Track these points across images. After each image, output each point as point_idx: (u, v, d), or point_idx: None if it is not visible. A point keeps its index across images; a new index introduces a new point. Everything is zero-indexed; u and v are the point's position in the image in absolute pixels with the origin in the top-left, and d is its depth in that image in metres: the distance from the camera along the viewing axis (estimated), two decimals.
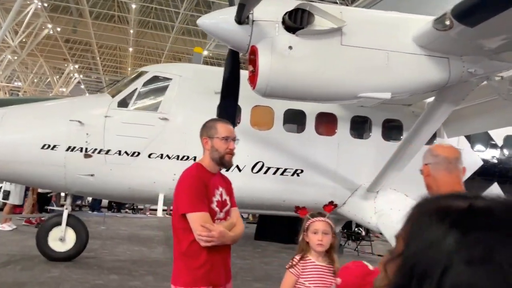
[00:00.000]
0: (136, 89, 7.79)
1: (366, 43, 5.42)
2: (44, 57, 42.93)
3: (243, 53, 5.80)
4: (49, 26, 34.55)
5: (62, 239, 8.10)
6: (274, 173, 7.99)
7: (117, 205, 17.11)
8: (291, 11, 5.36)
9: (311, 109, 8.10)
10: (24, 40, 33.91)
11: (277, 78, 5.36)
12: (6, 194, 11.43)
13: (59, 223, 8.11)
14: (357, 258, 11.30)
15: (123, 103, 7.77)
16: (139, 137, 7.64)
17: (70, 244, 8.17)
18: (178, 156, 7.73)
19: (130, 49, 40.93)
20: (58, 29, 35.99)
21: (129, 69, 47.69)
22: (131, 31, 36.57)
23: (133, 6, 31.59)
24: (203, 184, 3.23)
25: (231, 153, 3.45)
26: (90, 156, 7.56)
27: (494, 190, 8.72)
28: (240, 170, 7.90)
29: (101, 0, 32.73)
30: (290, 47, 5.33)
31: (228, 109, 6.65)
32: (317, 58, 5.43)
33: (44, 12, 32.60)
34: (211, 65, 46.80)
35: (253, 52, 5.46)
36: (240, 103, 7.86)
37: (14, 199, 11.47)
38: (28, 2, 29.59)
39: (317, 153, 8.11)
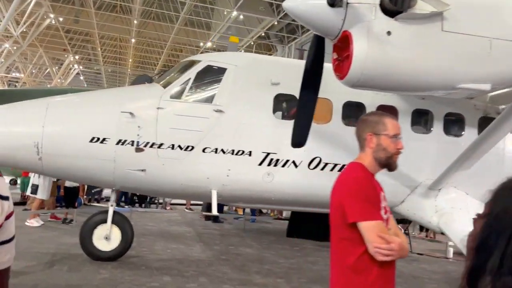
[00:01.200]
0: (190, 79, 7.34)
1: (468, 29, 5.00)
2: (44, 48, 42.11)
3: (331, 39, 5.33)
4: (51, 16, 33.75)
5: (107, 238, 7.66)
6: (332, 169, 7.58)
7: (139, 199, 16.62)
8: None
9: (371, 101, 7.70)
10: (24, 30, 33.06)
11: (374, 66, 4.94)
12: (35, 189, 10.95)
13: (104, 221, 7.66)
14: None
15: (176, 94, 7.33)
16: (193, 130, 7.21)
17: (116, 243, 7.73)
18: (233, 151, 7.30)
19: (133, 40, 40.13)
20: (60, 19, 35.23)
21: (130, 60, 47.05)
22: (135, 22, 35.84)
23: None
24: (373, 187, 2.75)
25: (399, 153, 2.94)
26: (141, 150, 7.12)
27: None
28: (296, 166, 7.50)
29: None
30: (389, 33, 4.91)
31: (308, 102, 6.19)
32: (417, 45, 5.01)
33: (46, 1, 31.82)
34: None
35: (345, 38, 5.02)
36: (296, 94, 7.48)
37: (42, 194, 10.99)
38: None
39: None
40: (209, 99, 7.35)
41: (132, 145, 7.08)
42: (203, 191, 7.44)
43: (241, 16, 32.14)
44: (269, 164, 7.39)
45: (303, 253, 10.28)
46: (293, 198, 7.72)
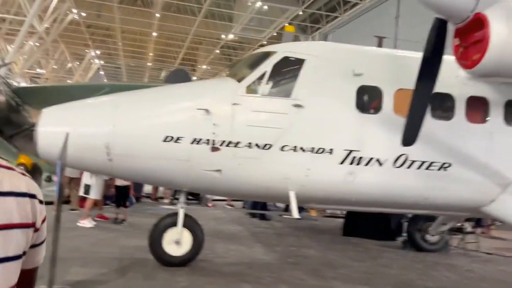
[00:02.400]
0: (266, 72, 6.80)
1: None
2: (65, 43, 41.89)
3: (457, 23, 4.76)
4: (74, 11, 33.44)
5: (178, 242, 7.21)
6: (419, 167, 7.02)
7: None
8: None
9: (459, 93, 7.12)
10: (47, 26, 32.79)
11: None
12: (87, 189, 10.57)
13: (174, 224, 7.20)
14: (464, 256, 10.42)
15: (252, 89, 6.82)
16: (271, 127, 6.72)
17: (187, 248, 7.27)
18: (313, 149, 6.77)
19: (154, 34, 39.65)
20: (83, 14, 34.91)
21: (151, 54, 46.65)
22: (156, 15, 35.36)
23: None
24: None
25: None
26: (217, 149, 6.62)
27: None
28: (380, 164, 6.95)
29: None
30: None
31: (424, 96, 5.63)
32: None
33: None
34: (234, 50, 45.98)
35: (477, 21, 4.47)
36: (380, 85, 6.95)
37: (95, 194, 10.61)
38: None
39: (466, 143, 7.14)
40: (287, 93, 6.81)
41: (208, 144, 6.60)
42: (280, 193, 6.93)
43: (265, 7, 31.55)
44: (351, 163, 6.86)
45: (370, 254, 9.76)
46: (376, 199, 7.19)
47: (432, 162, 7.03)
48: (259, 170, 6.76)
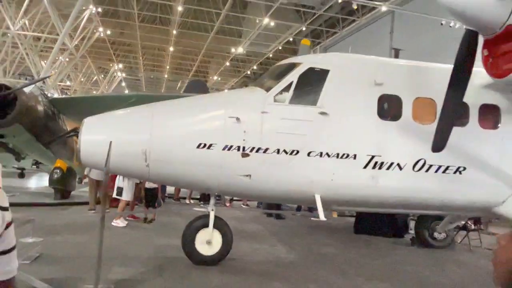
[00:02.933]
0: (292, 82, 6.47)
1: None
2: (92, 58, 41.82)
3: (487, 34, 4.42)
4: (100, 29, 33.34)
5: (209, 242, 6.88)
6: (436, 171, 6.67)
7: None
8: None
9: (474, 101, 6.76)
10: (77, 43, 32.69)
11: None
12: (120, 191, 10.30)
13: (206, 225, 6.88)
14: (470, 253, 10.04)
15: (280, 98, 6.48)
16: (298, 134, 6.39)
17: (217, 247, 6.96)
18: (337, 154, 6.43)
19: (171, 49, 39.45)
20: (108, 32, 34.78)
21: (167, 67, 46.48)
22: (174, 32, 35.16)
23: (179, 8, 30.16)
24: None
25: None
26: (247, 155, 6.29)
27: None
28: (401, 169, 6.61)
29: (147, 5, 31.47)
30: None
31: (454, 104, 5.28)
32: None
33: (96, 17, 31.53)
34: (243, 62, 45.70)
35: (510, 33, 4.13)
36: (400, 94, 6.62)
37: (127, 196, 10.34)
38: (84, 8, 28.54)
39: (480, 148, 6.80)
40: (313, 102, 6.47)
41: (238, 150, 6.27)
42: (306, 196, 6.60)
43: (272, 23, 31.26)
44: (373, 167, 6.53)
45: (383, 252, 9.40)
46: (396, 201, 6.85)
47: (448, 166, 6.69)
48: (287, 175, 6.43)
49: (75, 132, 14.60)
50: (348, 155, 6.45)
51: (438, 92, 6.59)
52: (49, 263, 6.41)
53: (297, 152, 6.34)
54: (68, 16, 27.68)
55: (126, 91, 50.96)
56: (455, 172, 6.70)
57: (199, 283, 6.09)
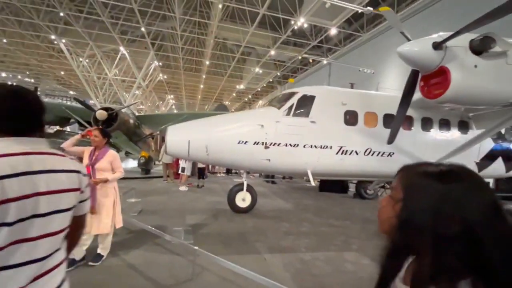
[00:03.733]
0: (293, 103, 6.12)
1: None
2: (155, 91, 40.61)
3: (426, 72, 4.12)
4: (161, 75, 32.37)
5: (244, 199, 6.52)
6: (377, 155, 6.37)
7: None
8: (475, 39, 3.75)
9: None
10: (146, 82, 31.65)
11: (464, 89, 3.77)
12: (183, 169, 9.78)
13: (242, 189, 6.52)
14: None
15: (286, 113, 6.10)
16: (298, 134, 6.03)
17: (248, 203, 6.60)
18: (321, 146, 6.11)
19: (201, 86, 38.57)
20: (165, 77, 33.80)
21: (199, 96, 45.45)
22: (203, 76, 34.33)
23: (207, 62, 29.38)
24: None
25: None
26: (268, 147, 5.93)
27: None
28: (357, 154, 6.28)
29: (188, 61, 30.62)
30: (475, 66, 3.73)
31: (400, 116, 4.95)
32: (492, 73, 3.82)
33: (158, 68, 30.54)
34: (242, 93, 45.01)
35: (442, 71, 3.84)
36: (357, 109, 6.26)
37: (188, 171, 9.84)
38: (151, 63, 27.65)
39: (401, 142, 6.49)
40: (306, 115, 6.12)
41: (263, 144, 5.90)
42: (302, 171, 6.26)
43: (261, 71, 30.70)
44: (342, 153, 6.22)
45: (339, 202, 9.10)
46: (354, 173, 6.55)
47: (384, 152, 6.43)
48: (291, 159, 6.08)
49: (151, 136, 14.00)
50: (327, 146, 6.14)
51: (379, 108, 6.33)
52: (148, 215, 5.99)
53: (297, 145, 6.01)
54: (140, 67, 26.99)
55: (175, 111, 49.87)
56: (388, 156, 6.45)
57: (240, 223, 5.71)
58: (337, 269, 3.70)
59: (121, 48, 25.14)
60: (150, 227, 4.25)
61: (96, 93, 28.40)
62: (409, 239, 0.72)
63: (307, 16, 19.47)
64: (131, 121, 12.26)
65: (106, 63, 26.98)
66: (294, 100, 6.13)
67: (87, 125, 11.58)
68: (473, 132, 6.82)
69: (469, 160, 6.70)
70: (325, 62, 24.85)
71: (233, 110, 36.31)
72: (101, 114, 10.15)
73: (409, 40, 4.08)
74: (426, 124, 6.68)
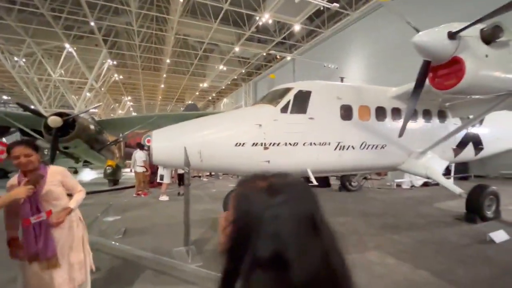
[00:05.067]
0: (290, 100, 5.74)
1: None
2: (110, 93, 37.18)
3: (438, 63, 4.02)
4: (116, 75, 29.66)
5: None
6: (372, 148, 6.32)
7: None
8: (484, 28, 3.74)
9: (388, 105, 6.53)
10: (100, 84, 28.77)
11: (477, 79, 3.75)
12: (162, 177, 8.81)
13: None
14: (371, 191, 10.06)
15: (284, 110, 5.70)
16: (297, 132, 5.68)
17: None
18: (320, 143, 5.86)
19: (162, 86, 36.41)
20: (121, 77, 31.07)
21: (160, 97, 42.92)
22: (164, 75, 32.41)
23: (168, 61, 27.74)
24: None
25: None
26: (267, 148, 5.48)
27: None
28: (354, 148, 6.18)
29: (146, 59, 28.53)
30: (486, 56, 3.73)
31: (410, 110, 4.81)
32: (500, 63, 3.86)
33: (113, 67, 27.92)
34: (206, 92, 43.55)
35: (454, 61, 3.77)
36: (351, 103, 6.14)
37: (167, 179, 8.88)
38: (104, 62, 25.13)
39: (393, 133, 6.55)
40: (304, 111, 5.78)
41: (262, 145, 5.44)
42: (302, 170, 5.92)
43: (225, 68, 30.01)
44: (340, 149, 6.05)
45: (329, 196, 9.06)
46: (351, 168, 6.44)
47: (377, 145, 6.42)
48: (291, 158, 5.72)
49: (115, 142, 12.61)
50: (325, 143, 5.91)
51: (371, 101, 6.29)
52: (136, 235, 5.13)
53: (297, 143, 5.67)
54: (92, 67, 24.40)
55: (134, 113, 46.47)
56: (381, 148, 6.46)
57: None
58: (371, 274, 3.44)
59: (67, 45, 22.27)
60: (143, 251, 3.54)
61: (38, 97, 24.86)
62: (236, 263, 0.68)
63: (271, 12, 19.30)
64: (92, 127, 10.79)
65: (48, 63, 23.71)
66: (290, 97, 5.76)
67: (35, 134, 9.89)
68: (450, 121, 7.19)
69: (448, 147, 7.07)
70: (288, 58, 25.10)
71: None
72: (54, 121, 8.68)
73: (417, 31, 3.98)
74: (413, 115, 6.83)
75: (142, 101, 44.66)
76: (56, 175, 2.38)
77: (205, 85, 36.61)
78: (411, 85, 5.72)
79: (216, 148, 5.20)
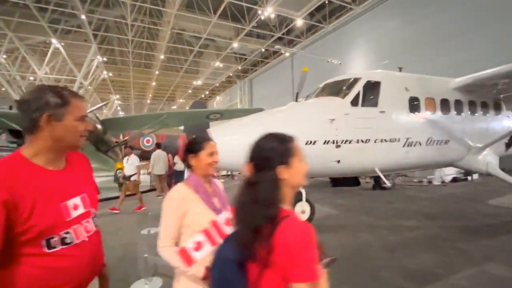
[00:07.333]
0: (359, 91, 5.05)
1: None
2: (97, 91, 34.99)
3: None
4: (105, 72, 27.79)
5: (303, 211, 5.25)
6: (436, 143, 5.77)
7: None
8: None
9: (451, 98, 5.99)
10: (89, 82, 26.86)
11: None
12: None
13: (301, 200, 5.23)
14: (405, 189, 9.60)
15: (354, 103, 5.01)
16: (369, 128, 5.01)
17: (308, 214, 5.35)
18: (390, 139, 5.22)
19: (153, 84, 34.70)
20: (110, 74, 29.18)
21: (150, 95, 41.03)
22: (156, 72, 30.82)
23: (162, 57, 26.27)
24: None
25: None
26: (339, 146, 4.77)
27: None
28: (420, 144, 5.59)
29: (137, 55, 26.95)
30: None
31: None
32: None
33: (102, 64, 26.13)
34: (198, 90, 42.05)
35: None
36: (418, 95, 5.54)
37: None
38: (93, 58, 23.39)
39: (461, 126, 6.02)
40: (375, 104, 5.12)
41: (333, 143, 4.72)
42: (371, 170, 5.29)
43: (221, 65, 28.94)
44: (408, 146, 5.44)
45: (370, 196, 8.46)
46: (416, 165, 5.85)
47: (441, 140, 5.88)
48: (361, 157, 5.05)
49: (124, 143, 11.46)
50: (395, 139, 5.28)
51: (436, 92, 5.73)
52: None
53: (368, 140, 5.00)
54: (80, 64, 22.67)
55: (121, 113, 44.18)
56: (444, 143, 5.92)
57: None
58: None
59: (54, 41, 20.38)
60: None
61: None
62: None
63: (274, 6, 18.50)
64: (99, 126, 9.62)
65: (32, 59, 21.67)
66: (359, 88, 5.08)
67: None
68: (504, 113, 6.80)
69: (502, 141, 6.68)
70: (287, 54, 24.47)
71: (187, 108, 33.52)
72: None
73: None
74: (472, 107, 6.34)
75: (131, 100, 42.54)
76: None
77: (199, 82, 35.26)
78: (476, 75, 5.22)
79: None
